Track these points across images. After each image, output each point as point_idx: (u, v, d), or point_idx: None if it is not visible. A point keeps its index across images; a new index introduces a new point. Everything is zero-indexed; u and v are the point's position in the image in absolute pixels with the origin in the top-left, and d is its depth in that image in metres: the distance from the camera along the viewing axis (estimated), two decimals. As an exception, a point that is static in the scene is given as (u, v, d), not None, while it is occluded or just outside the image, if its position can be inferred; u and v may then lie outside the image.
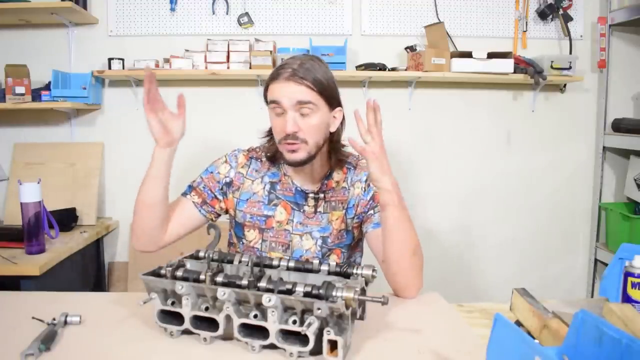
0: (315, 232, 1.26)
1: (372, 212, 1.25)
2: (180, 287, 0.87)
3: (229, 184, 1.29)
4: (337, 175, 1.29)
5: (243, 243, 1.30)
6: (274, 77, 1.18)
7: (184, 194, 1.29)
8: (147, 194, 1.16)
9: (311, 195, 1.27)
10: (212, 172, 1.30)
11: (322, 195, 1.28)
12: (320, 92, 1.16)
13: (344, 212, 1.27)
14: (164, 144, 1.13)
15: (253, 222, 1.28)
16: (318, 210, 1.27)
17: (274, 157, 1.28)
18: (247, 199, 1.28)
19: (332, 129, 1.24)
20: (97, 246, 2.29)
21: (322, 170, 1.28)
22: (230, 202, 1.29)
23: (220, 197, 1.29)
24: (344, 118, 1.27)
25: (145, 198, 1.16)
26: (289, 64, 1.17)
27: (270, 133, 1.28)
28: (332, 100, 1.21)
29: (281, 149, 1.21)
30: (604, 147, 2.47)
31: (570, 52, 2.39)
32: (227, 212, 1.32)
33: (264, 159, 1.31)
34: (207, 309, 0.88)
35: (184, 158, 2.35)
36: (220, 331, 0.86)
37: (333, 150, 1.26)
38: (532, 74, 2.25)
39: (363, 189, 1.28)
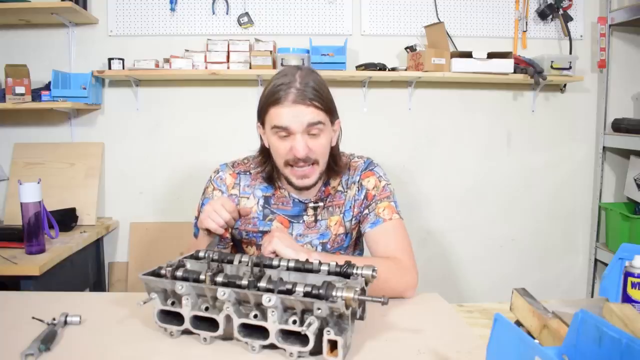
0: (314, 240, 1.25)
1: (367, 211, 1.23)
2: (180, 287, 0.87)
3: None
4: (333, 182, 1.27)
5: None
6: (275, 101, 1.09)
7: (195, 235, 1.26)
8: None
9: (311, 204, 1.25)
10: None
11: (321, 204, 1.25)
12: (326, 109, 1.13)
13: (341, 215, 1.26)
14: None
15: (250, 239, 1.27)
16: (317, 218, 1.25)
17: (271, 178, 1.24)
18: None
19: (334, 143, 1.22)
20: (97, 246, 2.29)
21: (320, 179, 1.24)
22: None
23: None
24: (340, 128, 1.25)
25: None
26: (287, 83, 1.09)
27: (263, 153, 1.23)
28: (334, 114, 1.18)
29: (286, 173, 1.17)
30: (604, 147, 2.47)
31: (570, 52, 2.39)
32: None
33: (252, 171, 1.27)
34: (207, 309, 0.88)
35: (184, 158, 2.37)
36: (220, 331, 0.86)
37: (332, 161, 1.22)
38: (532, 74, 2.25)
39: (357, 189, 1.26)
